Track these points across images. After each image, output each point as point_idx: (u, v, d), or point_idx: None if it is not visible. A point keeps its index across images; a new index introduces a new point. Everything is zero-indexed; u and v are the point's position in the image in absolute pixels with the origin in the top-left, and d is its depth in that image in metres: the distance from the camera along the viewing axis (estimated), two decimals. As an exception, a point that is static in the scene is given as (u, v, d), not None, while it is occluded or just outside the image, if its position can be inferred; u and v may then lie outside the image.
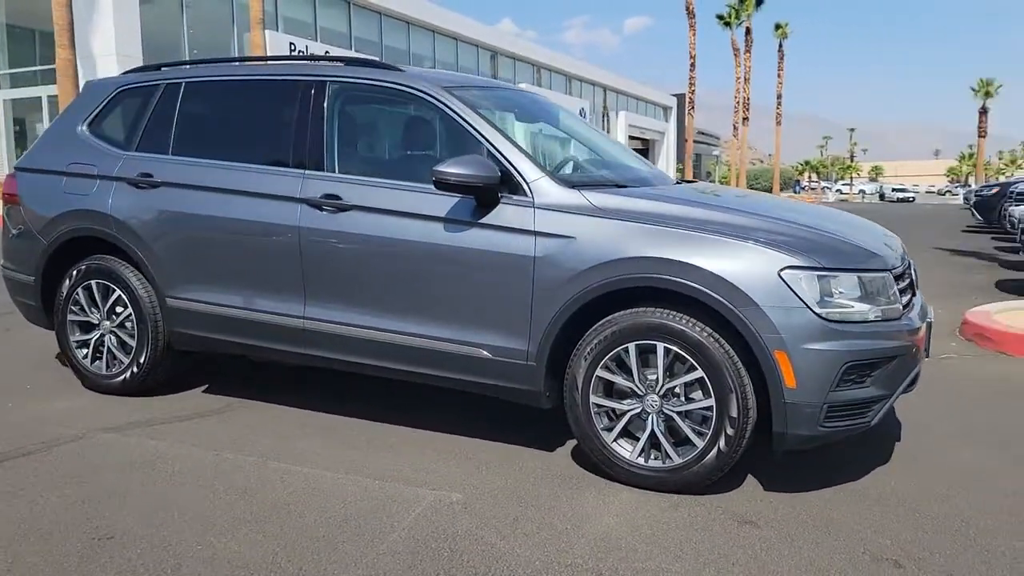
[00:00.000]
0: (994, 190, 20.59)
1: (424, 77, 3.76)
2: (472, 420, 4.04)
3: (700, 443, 3.11)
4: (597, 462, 3.30)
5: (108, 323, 4.32)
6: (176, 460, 3.50)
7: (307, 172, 3.78)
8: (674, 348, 3.11)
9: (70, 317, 4.40)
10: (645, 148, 54.10)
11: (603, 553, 2.72)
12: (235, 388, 4.55)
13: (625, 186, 3.66)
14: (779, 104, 56.33)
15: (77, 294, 4.35)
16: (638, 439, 3.25)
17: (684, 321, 3.08)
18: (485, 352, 3.43)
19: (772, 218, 3.32)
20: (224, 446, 3.67)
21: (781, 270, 2.97)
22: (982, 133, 74.03)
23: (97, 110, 4.47)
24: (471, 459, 3.55)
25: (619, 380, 3.23)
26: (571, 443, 3.76)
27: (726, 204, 3.55)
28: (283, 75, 4.03)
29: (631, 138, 49.48)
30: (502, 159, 3.44)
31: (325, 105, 3.83)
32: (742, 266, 3.00)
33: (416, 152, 4.06)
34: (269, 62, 4.25)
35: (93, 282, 4.31)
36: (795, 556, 2.71)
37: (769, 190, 51.75)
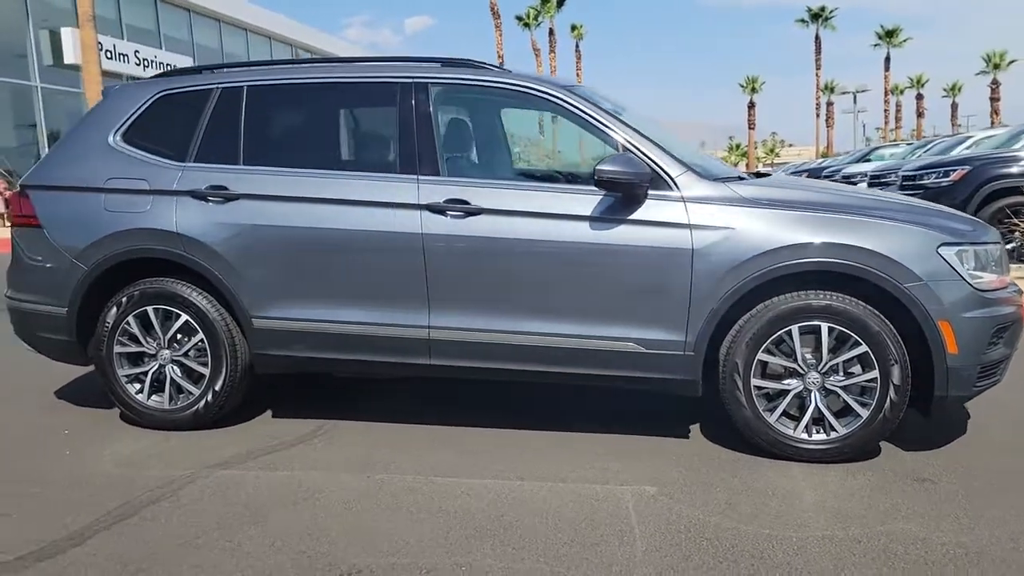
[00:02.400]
0: (804, 175, 22.83)
1: (538, 78, 3.75)
2: (582, 415, 4.07)
3: (865, 413, 3.35)
4: (762, 443, 3.45)
5: (169, 352, 3.93)
6: (332, 488, 3.28)
7: (421, 177, 3.65)
8: (838, 327, 3.32)
9: (117, 349, 3.95)
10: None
11: (843, 523, 2.89)
12: (305, 410, 4.26)
13: (742, 178, 3.83)
14: (581, 102, 58.65)
15: (128, 323, 3.91)
16: (795, 416, 3.45)
17: (847, 300, 3.31)
18: (638, 346, 3.49)
19: (899, 202, 3.63)
20: (365, 467, 3.48)
21: (939, 247, 3.28)
22: (751, 125, 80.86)
23: (131, 119, 4.02)
24: (624, 453, 3.60)
25: (779, 361, 3.41)
26: (695, 427, 3.90)
27: (847, 191, 3.82)
28: (376, 77, 3.84)
29: (446, 138, 49.72)
30: (642, 156, 3.50)
31: (431, 108, 3.71)
32: (906, 245, 3.27)
33: (537, 153, 4.02)
34: (344, 63, 4.01)
35: (150, 308, 3.89)
36: (995, 505, 3.01)
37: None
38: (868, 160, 23.79)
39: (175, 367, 3.93)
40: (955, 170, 8.92)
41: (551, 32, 53.18)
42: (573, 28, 61.41)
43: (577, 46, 60.69)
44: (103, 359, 3.95)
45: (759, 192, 3.50)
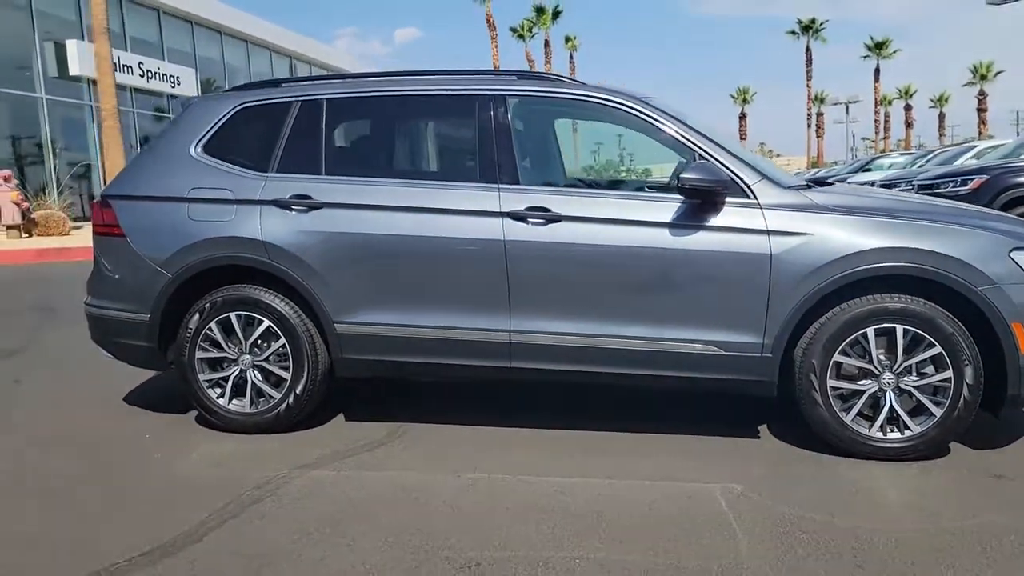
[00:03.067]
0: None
1: (614, 90, 3.87)
2: (650, 417, 4.18)
3: (938, 412, 3.48)
4: (838, 442, 3.56)
5: (250, 357, 4.02)
6: (427, 487, 3.38)
7: (501, 186, 3.77)
8: (913, 329, 3.45)
9: (199, 355, 4.04)
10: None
11: (932, 517, 3.01)
12: (376, 413, 4.36)
13: (810, 185, 3.96)
14: (576, 112, 59.09)
15: (210, 329, 4.01)
16: (868, 416, 3.56)
17: (921, 303, 3.44)
18: (717, 348, 3.61)
19: (963, 208, 3.77)
20: (453, 468, 3.57)
21: (1011, 251, 3.41)
22: (743, 136, 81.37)
23: (212, 130, 4.14)
24: (702, 453, 3.71)
25: (854, 363, 3.53)
26: (763, 427, 4.01)
27: (912, 198, 3.96)
28: (455, 90, 3.96)
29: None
30: (720, 164, 3.63)
31: (510, 119, 3.83)
32: (978, 250, 3.40)
33: (612, 162, 4.14)
34: (420, 76, 4.13)
35: (232, 314, 3.99)
36: (1072, 497, 3.14)
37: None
38: (868, 170, 24.04)
39: (256, 372, 4.03)
40: (973, 179, 9.11)
41: (547, 44, 53.68)
42: (567, 40, 62.05)
43: (571, 57, 61.20)
44: (184, 364, 4.05)
45: (832, 199, 3.64)
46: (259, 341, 4.02)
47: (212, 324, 4.01)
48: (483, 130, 3.84)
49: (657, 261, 3.61)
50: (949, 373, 3.45)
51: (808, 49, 68.43)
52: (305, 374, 3.97)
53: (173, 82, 28.40)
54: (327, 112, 4.04)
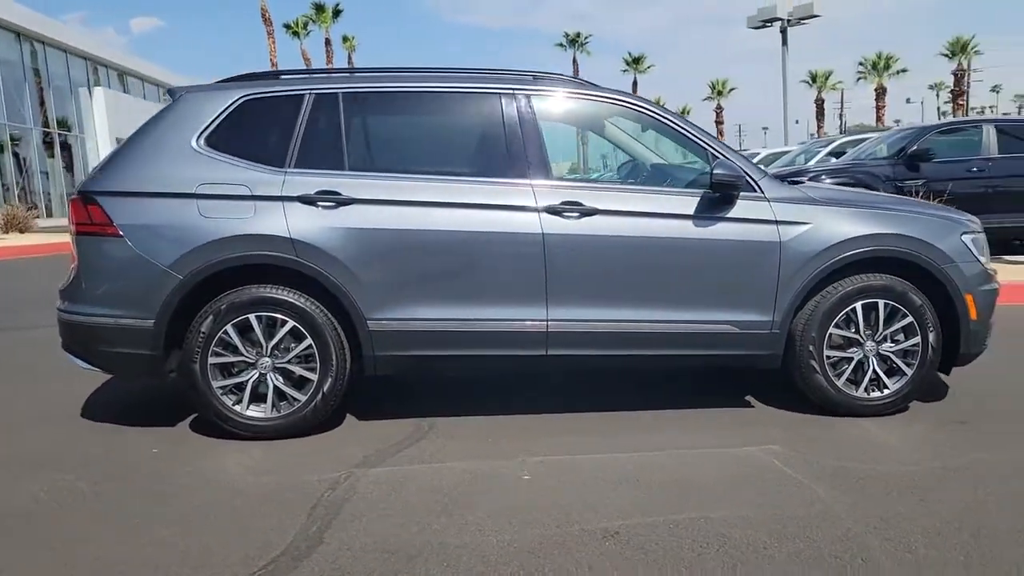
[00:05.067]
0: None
1: (629, 93, 4.17)
2: (637, 396, 4.53)
3: (910, 372, 4.12)
4: (831, 403, 4.10)
5: (270, 360, 3.87)
6: (500, 473, 3.47)
7: (534, 182, 3.94)
8: (891, 303, 4.07)
9: (212, 360, 3.83)
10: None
11: (939, 457, 3.60)
12: (390, 412, 4.34)
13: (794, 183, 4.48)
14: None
15: (226, 332, 3.82)
16: (852, 381, 4.14)
17: (898, 280, 4.06)
18: (735, 327, 4.03)
19: (915, 200, 4.46)
20: (507, 454, 3.68)
21: (962, 234, 4.12)
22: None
23: (214, 123, 3.91)
24: (721, 423, 4.11)
25: (844, 333, 4.09)
26: (750, 397, 4.50)
27: (874, 194, 4.59)
28: (480, 88, 4.04)
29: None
30: (734, 162, 4.05)
31: (535, 118, 4.01)
32: (942, 234, 4.09)
33: (633, 159, 4.40)
34: (437, 73, 4.16)
35: (252, 315, 3.83)
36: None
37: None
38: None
39: (277, 375, 3.89)
40: (801, 180, 10.35)
41: (328, 42, 52.74)
42: (345, 39, 61.18)
43: (350, 57, 60.46)
44: (195, 372, 3.81)
45: (820, 193, 4.18)
46: (281, 343, 3.88)
47: (228, 327, 3.81)
48: (511, 127, 3.98)
49: (684, 250, 3.96)
50: (918, 339, 4.09)
51: (575, 61, 72.29)
52: (333, 374, 3.89)
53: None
54: (344, 107, 3.98)
